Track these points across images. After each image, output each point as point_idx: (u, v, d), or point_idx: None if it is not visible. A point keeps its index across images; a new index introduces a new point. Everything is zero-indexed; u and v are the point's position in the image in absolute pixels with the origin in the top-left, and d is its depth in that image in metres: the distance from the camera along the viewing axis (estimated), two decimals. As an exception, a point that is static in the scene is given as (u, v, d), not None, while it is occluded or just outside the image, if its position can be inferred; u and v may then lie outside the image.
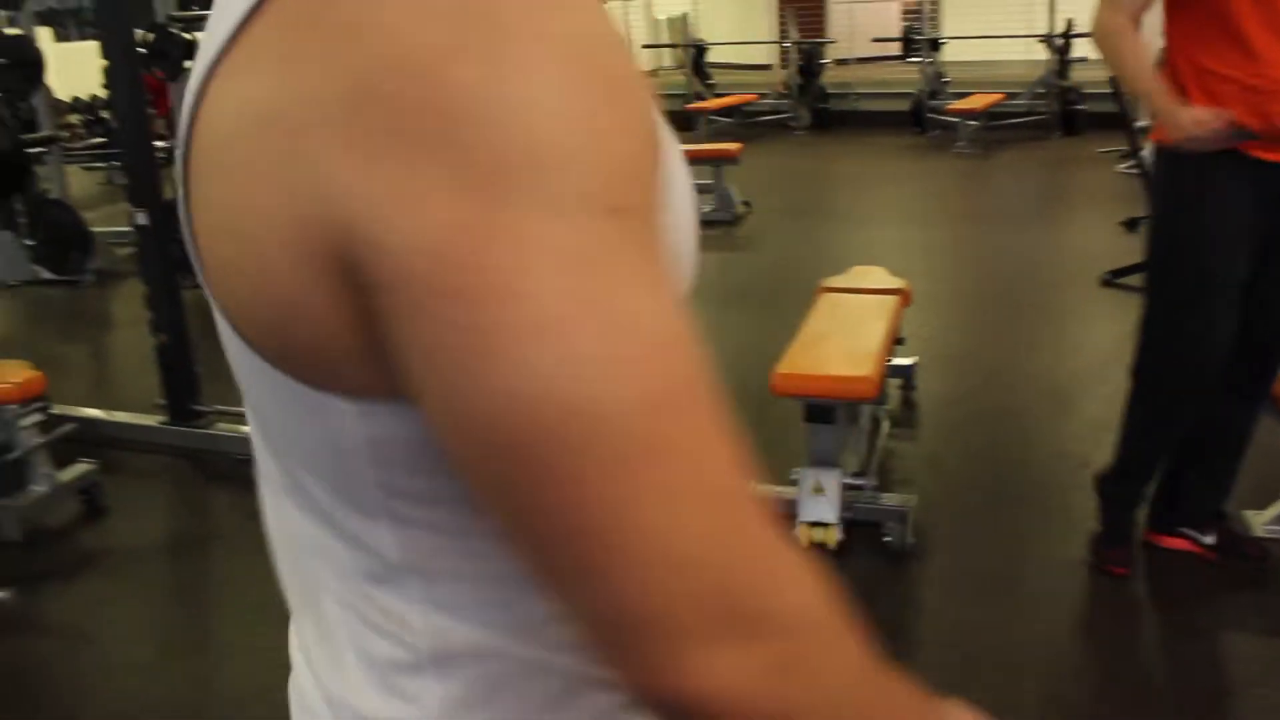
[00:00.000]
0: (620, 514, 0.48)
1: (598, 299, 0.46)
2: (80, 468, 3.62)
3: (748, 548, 0.51)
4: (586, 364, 0.46)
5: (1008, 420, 4.02)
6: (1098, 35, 2.45)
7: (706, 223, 7.46)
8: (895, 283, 3.91)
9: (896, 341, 3.75)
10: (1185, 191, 2.50)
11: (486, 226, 0.45)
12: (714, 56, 13.25)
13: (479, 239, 0.45)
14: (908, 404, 4.12)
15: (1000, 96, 10.33)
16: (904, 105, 11.27)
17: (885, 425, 3.84)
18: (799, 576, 0.53)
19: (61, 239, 6.51)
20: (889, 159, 9.90)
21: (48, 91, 6.70)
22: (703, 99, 12.01)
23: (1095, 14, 2.45)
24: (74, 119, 11.00)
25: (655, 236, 0.49)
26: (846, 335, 3.36)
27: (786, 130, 11.71)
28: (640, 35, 14.50)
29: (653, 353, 0.48)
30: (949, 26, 11.61)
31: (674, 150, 0.57)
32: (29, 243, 6.57)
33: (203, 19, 3.15)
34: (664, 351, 0.48)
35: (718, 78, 13.12)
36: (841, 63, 13.25)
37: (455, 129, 0.44)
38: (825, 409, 3.14)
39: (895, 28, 13.47)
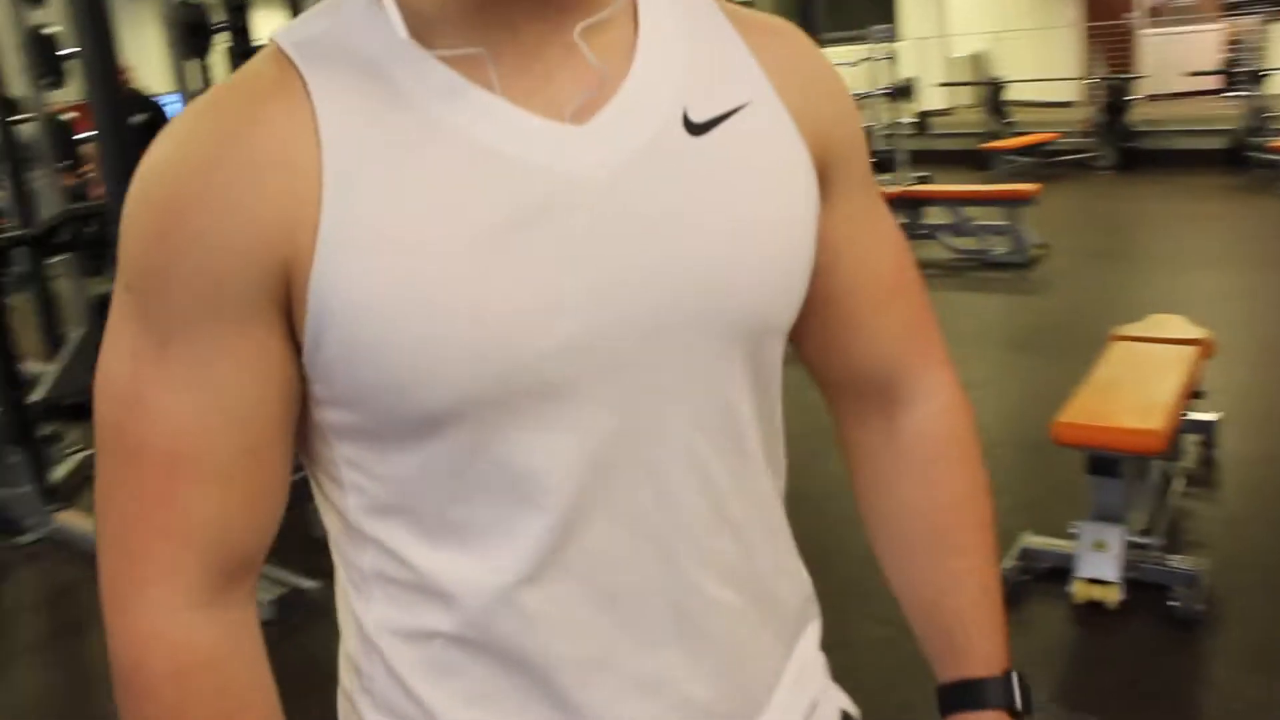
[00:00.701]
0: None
1: (106, 343, 0.71)
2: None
3: (108, 572, 0.72)
4: (95, 378, 0.71)
5: (1322, 485, 3.70)
6: None
7: (998, 265, 7.26)
8: (1193, 332, 3.69)
9: (1195, 395, 3.54)
10: None
11: None
12: (1014, 94, 12.87)
13: None
14: (1207, 462, 3.87)
15: (1334, 133, 9.49)
16: (1220, 143, 10.55)
17: (1179, 483, 3.63)
18: (127, 633, 0.71)
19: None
20: (1201, 201, 9.29)
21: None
22: (1000, 138, 11.68)
23: None
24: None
25: (158, 310, 0.68)
26: (1136, 385, 3.21)
27: (1089, 170, 11.20)
28: (936, 74, 14.28)
29: (104, 391, 0.70)
30: (1275, 57, 10.76)
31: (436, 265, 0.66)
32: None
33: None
34: (107, 395, 0.70)
35: (1018, 115, 12.72)
36: (1153, 98, 12.56)
37: None
38: (1110, 461, 3.01)
39: (1212, 60, 12.63)
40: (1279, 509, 3.57)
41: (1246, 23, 10.74)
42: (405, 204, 0.66)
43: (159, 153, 0.68)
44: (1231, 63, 11.19)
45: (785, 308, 0.78)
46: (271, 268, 0.66)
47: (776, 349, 0.80)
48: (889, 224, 0.89)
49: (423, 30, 0.70)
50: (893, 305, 0.88)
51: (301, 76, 0.68)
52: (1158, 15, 13.89)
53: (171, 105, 6.33)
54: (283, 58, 0.69)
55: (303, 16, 0.73)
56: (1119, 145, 11.28)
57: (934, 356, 0.91)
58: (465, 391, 0.67)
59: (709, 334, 0.73)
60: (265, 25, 4.79)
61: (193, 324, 0.67)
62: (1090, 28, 13.60)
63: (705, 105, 0.74)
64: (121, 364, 0.69)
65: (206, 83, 4.52)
